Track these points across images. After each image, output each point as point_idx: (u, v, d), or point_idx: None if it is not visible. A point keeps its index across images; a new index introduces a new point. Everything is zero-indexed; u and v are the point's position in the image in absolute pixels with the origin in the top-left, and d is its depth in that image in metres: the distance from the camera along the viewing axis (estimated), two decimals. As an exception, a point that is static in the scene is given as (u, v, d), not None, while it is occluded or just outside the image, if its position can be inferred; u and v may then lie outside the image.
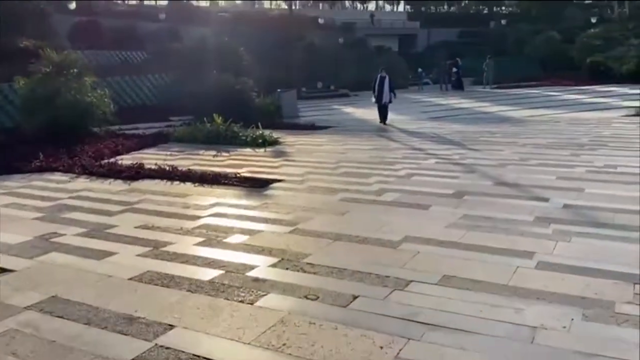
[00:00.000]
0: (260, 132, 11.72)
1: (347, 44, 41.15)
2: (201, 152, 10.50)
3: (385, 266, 4.07)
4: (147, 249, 4.63)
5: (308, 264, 4.15)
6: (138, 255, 4.48)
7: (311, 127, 14.64)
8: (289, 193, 6.74)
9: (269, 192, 6.87)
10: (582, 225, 5.05)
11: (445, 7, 69.77)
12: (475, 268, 4.00)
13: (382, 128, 14.37)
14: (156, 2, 49.41)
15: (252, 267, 4.11)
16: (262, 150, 10.59)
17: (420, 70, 34.97)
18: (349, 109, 21.22)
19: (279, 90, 18.20)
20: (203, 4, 51.79)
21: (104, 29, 29.47)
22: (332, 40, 40.84)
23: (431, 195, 6.41)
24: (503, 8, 73.58)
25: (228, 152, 10.41)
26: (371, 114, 19.03)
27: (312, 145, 11.08)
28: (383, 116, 15.25)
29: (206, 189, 7.16)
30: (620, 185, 6.59)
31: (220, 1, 57.92)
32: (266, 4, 59.05)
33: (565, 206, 5.74)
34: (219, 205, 6.18)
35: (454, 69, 32.29)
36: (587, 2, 74.51)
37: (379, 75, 15.29)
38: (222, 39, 21.55)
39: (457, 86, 30.56)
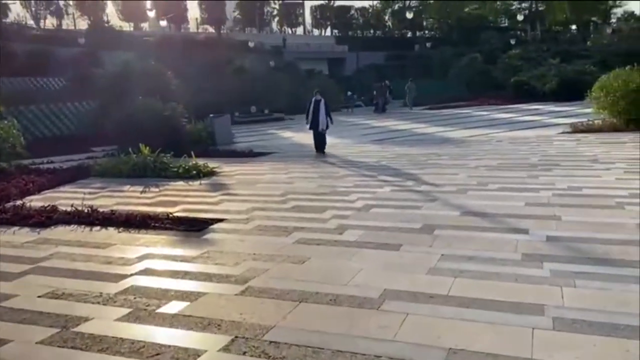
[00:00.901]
0: (194, 162, 10.63)
1: (278, 67, 40.67)
2: (127, 187, 9.27)
3: (371, 340, 3.18)
4: (53, 331, 3.49)
5: (271, 342, 3.18)
6: (38, 343, 3.33)
7: (249, 154, 13.66)
8: (234, 236, 5.74)
9: (209, 236, 5.84)
10: (579, 263, 4.41)
11: (372, 31, 71.23)
12: (484, 334, 3.20)
13: (326, 154, 13.61)
14: (75, 27, 46.83)
15: (196, 354, 3.09)
16: (197, 183, 9.50)
17: (350, 93, 34.99)
18: (286, 133, 20.40)
19: (211, 115, 17.12)
20: (126, 28, 49.66)
21: (17, 55, 27.24)
22: (263, 64, 40.24)
23: (398, 231, 5.63)
24: (425, 32, 76.31)
25: (158, 186, 9.24)
26: (310, 138, 18.33)
27: (253, 175, 10.11)
28: (320, 145, 13.44)
29: (133, 235, 6.01)
30: (596, 211, 6.09)
31: (144, 24, 55.93)
32: (192, 28, 57.61)
33: (549, 239, 5.12)
34: (149, 258, 5.08)
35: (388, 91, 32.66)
36: (502, 25, 79.01)
37: (313, 99, 13.55)
38: (147, 63, 20.19)
39: (382, 108, 30.57)
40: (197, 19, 57.98)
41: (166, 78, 20.06)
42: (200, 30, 56.69)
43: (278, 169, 10.70)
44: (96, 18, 46.76)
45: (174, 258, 5.04)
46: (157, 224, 6.33)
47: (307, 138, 18.34)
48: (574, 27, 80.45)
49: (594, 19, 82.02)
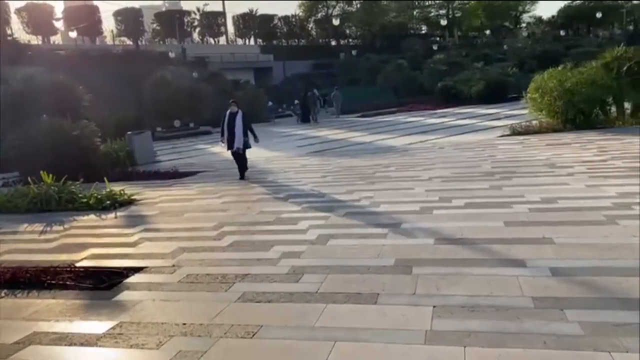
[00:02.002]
0: (109, 188, 9.06)
1: (202, 78, 38.87)
2: (23, 227, 7.59)
3: None
4: None
5: None
6: None
7: (175, 175, 12.14)
8: (156, 295, 4.38)
9: (123, 296, 4.44)
10: (607, 308, 3.45)
11: (296, 40, 70.63)
12: None
13: (263, 170, 12.32)
14: None
15: None
16: (111, 215, 7.97)
17: (271, 103, 33.95)
18: (216, 149, 18.86)
19: (129, 132, 15.39)
20: (34, 41, 45.94)
21: None
22: (186, 75, 38.32)
23: (368, 272, 4.50)
24: (349, 40, 76.76)
25: (63, 223, 7.62)
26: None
27: (180, 202, 8.68)
28: (240, 167, 10.91)
29: (18, 302, 4.51)
30: (588, 229, 5.25)
31: (54, 38, 52.19)
32: (109, 40, 54.43)
33: (555, 272, 4.17)
34: (36, 343, 3.64)
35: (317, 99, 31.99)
36: (421, 32, 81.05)
37: (227, 112, 10.80)
38: (56, 79, 18.08)
39: (305, 119, 29.69)
40: (112, 30, 54.84)
41: (77, 94, 18.03)
42: (117, 43, 53.63)
43: (209, 193, 9.32)
44: (-3, 31, 42.91)
45: (71, 340, 3.62)
46: (54, 282, 4.84)
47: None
48: (487, 32, 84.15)
49: (506, 24, 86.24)
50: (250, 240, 5.85)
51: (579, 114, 15.01)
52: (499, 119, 21.22)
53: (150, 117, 26.53)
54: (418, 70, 43.97)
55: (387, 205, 7.03)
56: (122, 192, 8.97)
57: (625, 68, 15.63)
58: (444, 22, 55.26)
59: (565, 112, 15.10)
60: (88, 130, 12.70)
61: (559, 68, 16.09)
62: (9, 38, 40.08)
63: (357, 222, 6.25)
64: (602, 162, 9.29)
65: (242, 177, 10.71)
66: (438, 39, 72.90)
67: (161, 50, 43.77)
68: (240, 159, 10.90)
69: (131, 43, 54.27)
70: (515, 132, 15.36)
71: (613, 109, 16.23)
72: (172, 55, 38.67)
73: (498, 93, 31.74)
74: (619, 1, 71.16)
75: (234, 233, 6.24)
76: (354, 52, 59.02)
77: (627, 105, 16.41)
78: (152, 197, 9.29)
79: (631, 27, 69.12)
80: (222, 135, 10.88)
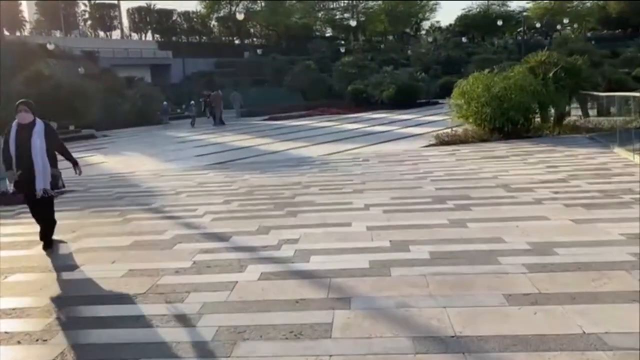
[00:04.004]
0: None
1: (89, 74, 34.65)
2: None
3: None
4: None
5: None
6: None
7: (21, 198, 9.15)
8: None
9: None
10: None
11: (197, 37, 66.82)
12: None
13: (148, 190, 9.67)
14: None
15: None
16: None
17: (165, 103, 30.96)
18: (95, 157, 15.76)
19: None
20: None
21: None
22: (71, 71, 33.94)
23: None
24: (254, 39, 74.13)
25: None
26: (129, 162, 14.16)
27: (9, 249, 5.93)
28: (44, 227, 5.88)
29: None
30: (629, 310, 3.42)
31: None
32: (-23, 29, 47.66)
33: None
34: None
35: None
36: (327, 35, 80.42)
37: (14, 123, 5.61)
38: None
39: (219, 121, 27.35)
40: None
41: None
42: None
43: (66, 229, 6.63)
44: None
45: None
46: None
47: (125, 162, 14.12)
48: (390, 37, 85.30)
49: (407, 30, 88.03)
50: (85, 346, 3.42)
51: (507, 123, 13.85)
52: (417, 125, 19.95)
53: (20, 118, 22.47)
54: (326, 72, 42.52)
55: (320, 259, 4.86)
56: None
57: (551, 74, 14.74)
58: (353, 23, 54.29)
59: (493, 119, 13.88)
60: None
61: (485, 72, 14.86)
62: None
63: (278, 299, 4.00)
64: (562, 183, 7.81)
65: (46, 246, 5.74)
66: (343, 42, 72.37)
67: (41, 43, 38.65)
68: (44, 209, 5.84)
69: (8, 33, 47.97)
70: (441, 141, 13.89)
71: (537, 116, 15.36)
72: (50, 47, 34.02)
73: (409, 98, 30.91)
74: (511, 12, 74.94)
75: (74, 325, 3.77)
76: (259, 51, 56.60)
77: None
78: (-23, 238, 6.43)
79: (520, 37, 72.92)
80: (9, 165, 5.63)
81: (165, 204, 8.03)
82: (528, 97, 13.78)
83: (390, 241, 5.25)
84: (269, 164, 12.28)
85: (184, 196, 8.66)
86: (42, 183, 5.61)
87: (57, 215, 7.49)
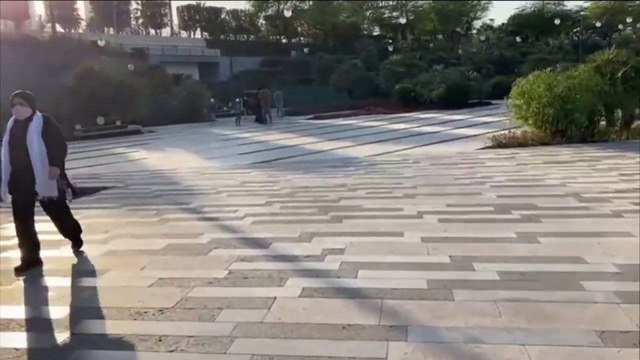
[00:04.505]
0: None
1: (139, 71, 35.08)
2: None
3: None
4: None
5: None
6: None
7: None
8: None
9: None
10: None
11: (245, 35, 67.20)
12: None
13: (188, 189, 9.32)
14: None
15: None
16: None
17: (212, 101, 30.86)
18: (138, 153, 15.68)
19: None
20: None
21: None
22: (121, 68, 34.45)
23: None
24: (301, 39, 73.99)
25: None
26: (172, 159, 13.95)
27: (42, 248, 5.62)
28: (67, 232, 5.35)
29: None
30: None
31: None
32: (35, 27, 49.36)
33: None
34: None
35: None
36: (374, 34, 79.49)
37: (11, 120, 4.79)
38: None
39: (259, 118, 27.22)
40: (40, 16, 49.77)
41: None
42: (46, 30, 48.66)
43: (97, 230, 6.28)
44: None
45: None
46: None
47: (165, 159, 13.91)
48: (440, 36, 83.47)
49: (457, 29, 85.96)
50: (114, 370, 2.95)
51: (570, 125, 12.85)
52: (470, 126, 19.01)
53: (70, 113, 22.82)
54: (373, 71, 41.78)
55: (369, 274, 4.27)
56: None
57: (620, 73, 13.60)
58: (403, 21, 53.23)
59: (555, 121, 12.89)
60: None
61: (547, 71, 13.85)
62: None
63: (322, 323, 3.43)
64: (642, 193, 6.92)
65: (75, 245, 5.35)
66: (391, 41, 71.29)
67: (93, 40, 39.52)
68: (56, 216, 5.18)
69: (63, 31, 49.44)
70: (498, 143, 13.03)
71: (602, 119, 14.23)
72: (101, 43, 34.62)
73: (459, 98, 29.81)
74: (568, 11, 71.99)
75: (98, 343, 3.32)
76: (306, 50, 56.29)
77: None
78: (7, 236, 6.16)
79: (577, 37, 69.84)
80: None
81: (205, 204, 7.61)
82: (594, 98, 12.72)
83: (449, 256, 4.60)
84: (313, 164, 11.76)
85: (225, 196, 8.23)
86: (45, 190, 4.77)
87: (92, 212, 7.23)
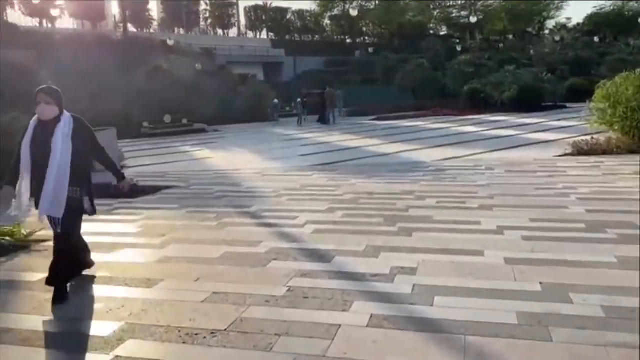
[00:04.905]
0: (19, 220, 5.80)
1: (206, 70, 35.73)
2: None
3: None
4: None
5: None
6: None
7: (129, 191, 8.88)
8: None
9: None
10: None
11: (309, 36, 67.36)
12: None
13: (249, 190, 9.06)
14: None
15: None
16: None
17: (276, 101, 30.71)
18: (202, 152, 15.71)
19: (89, 130, 12.16)
20: (28, 23, 43.03)
21: None
22: (188, 67, 35.21)
23: None
24: (365, 38, 73.34)
25: None
26: (235, 158, 13.84)
27: (103, 251, 5.42)
28: (57, 270, 4.05)
29: None
30: None
31: (59, 22, 49.28)
32: (110, 27, 51.45)
33: None
34: None
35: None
36: (441, 34, 77.65)
37: (33, 120, 4.05)
38: (12, 60, 15.02)
39: (323, 119, 26.92)
40: (115, 16, 51.82)
41: (39, 80, 14.87)
42: (120, 30, 50.66)
43: (154, 231, 6.07)
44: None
45: None
46: None
47: (228, 159, 13.81)
48: (510, 36, 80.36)
49: (529, 29, 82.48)
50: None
51: (663, 132, 11.65)
52: (545, 130, 17.82)
53: (139, 111, 23.43)
54: (439, 71, 40.58)
55: (447, 301, 3.73)
56: (15, 228, 5.73)
57: None
58: (473, 20, 51.54)
59: (645, 128, 11.73)
60: (9, 126, 9.43)
61: (637, 72, 12.65)
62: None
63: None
64: None
65: (57, 299, 3.94)
66: (458, 40, 69.29)
67: (163, 39, 40.67)
68: (60, 240, 4.04)
69: (135, 30, 51.30)
70: (579, 150, 12.00)
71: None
72: (170, 42, 35.50)
73: (532, 100, 28.27)
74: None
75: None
76: (370, 50, 55.62)
77: None
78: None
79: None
80: (9, 180, 4.06)
81: (265, 208, 7.27)
82: (694, 103, 11.47)
83: (540, 283, 3.98)
84: (378, 167, 11.23)
85: (285, 199, 7.87)
86: (47, 205, 3.85)
87: (152, 212, 7.05)
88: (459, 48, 51.83)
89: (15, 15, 44.18)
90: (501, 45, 71.48)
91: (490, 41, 76.33)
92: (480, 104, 29.90)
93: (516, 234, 5.40)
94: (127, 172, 11.37)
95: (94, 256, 4.76)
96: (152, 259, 5.04)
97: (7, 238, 5.44)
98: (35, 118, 4.01)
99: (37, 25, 43.77)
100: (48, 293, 4.10)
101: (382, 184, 8.94)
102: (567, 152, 12.11)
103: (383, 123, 24.72)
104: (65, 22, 49.60)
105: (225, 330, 3.40)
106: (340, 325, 3.38)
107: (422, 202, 7.33)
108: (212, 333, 3.36)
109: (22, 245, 5.53)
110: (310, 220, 6.35)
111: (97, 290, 4.30)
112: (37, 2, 41.28)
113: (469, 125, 21.13)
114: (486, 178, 9.18)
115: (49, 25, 47.21)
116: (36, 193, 3.96)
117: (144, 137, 20.80)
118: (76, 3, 45.44)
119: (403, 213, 6.64)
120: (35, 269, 4.81)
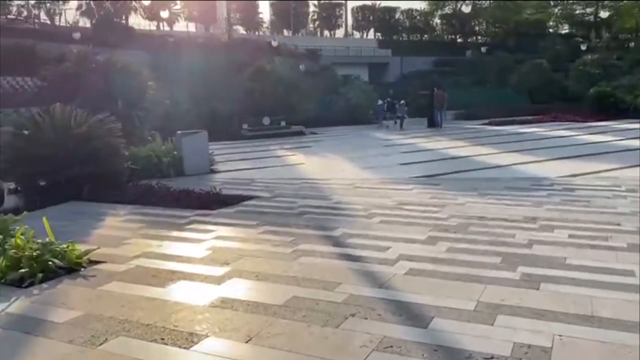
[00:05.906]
0: (50, 239, 5.23)
1: (310, 71, 35.34)
2: None
3: None
4: None
5: None
6: None
7: (209, 201, 8.16)
8: None
9: None
10: None
11: (418, 35, 65.17)
12: None
13: (337, 206, 8.01)
14: (77, 22, 42.99)
15: None
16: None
17: (380, 102, 29.08)
18: (296, 156, 14.95)
19: (179, 132, 11.83)
20: (143, 25, 45.52)
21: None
22: (292, 68, 35.01)
23: None
24: (478, 38, 69.61)
25: None
26: (327, 165, 12.92)
27: (153, 286, 4.60)
28: None
29: None
30: None
31: (177, 25, 51.87)
32: (222, 29, 53.13)
33: None
34: None
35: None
36: (562, 32, 71.75)
37: None
38: (115, 59, 15.21)
39: (431, 122, 25.13)
40: (225, 19, 53.37)
41: (140, 80, 15.00)
42: (232, 31, 52.11)
43: (218, 258, 5.17)
44: (115, 15, 42.78)
45: None
46: None
47: (324, 165, 12.91)
48: (643, 35, 72.40)
49: (668, 27, 73.79)
50: None
51: None
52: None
53: (243, 112, 23.37)
54: (560, 72, 37.01)
55: None
56: (71, 248, 5.10)
57: None
58: (605, 14, 46.80)
59: None
60: (103, 128, 9.14)
61: None
62: (114, 20, 39.75)
63: None
64: None
65: None
66: (582, 39, 63.53)
67: (268, 41, 41.01)
68: None
69: (245, 32, 52.57)
70: None
71: None
72: (274, 44, 35.52)
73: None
74: None
75: None
76: (483, 49, 52.50)
77: None
78: (125, 256, 5.34)
79: None
80: None
81: (351, 232, 6.14)
82: None
83: None
84: (491, 182, 9.67)
85: (376, 222, 6.69)
86: None
87: (224, 231, 6.24)
88: (583, 47, 47.13)
89: (135, 19, 47.01)
90: (632, 44, 64.47)
91: (620, 40, 69.25)
92: (609, 109, 26.61)
93: (698, 300, 3.81)
94: (215, 179, 10.85)
95: (148, 289, 3.92)
96: (204, 300, 4.10)
97: (56, 261, 4.79)
98: None
99: (155, 28, 46.24)
100: (70, 345, 3.29)
101: (497, 206, 7.46)
102: None
103: (495, 128, 22.60)
104: (181, 25, 52.09)
105: None
106: None
107: (549, 234, 5.82)
108: None
109: (72, 268, 4.87)
110: (405, 255, 5.13)
111: (120, 343, 3.41)
112: (156, 1, 43.56)
113: (597, 134, 18.55)
114: (629, 203, 7.37)
115: (167, 28, 49.71)
116: None
117: (243, 139, 20.63)
118: (190, 5, 47.35)
119: (526, 250, 5.20)
120: (70, 304, 4.06)
